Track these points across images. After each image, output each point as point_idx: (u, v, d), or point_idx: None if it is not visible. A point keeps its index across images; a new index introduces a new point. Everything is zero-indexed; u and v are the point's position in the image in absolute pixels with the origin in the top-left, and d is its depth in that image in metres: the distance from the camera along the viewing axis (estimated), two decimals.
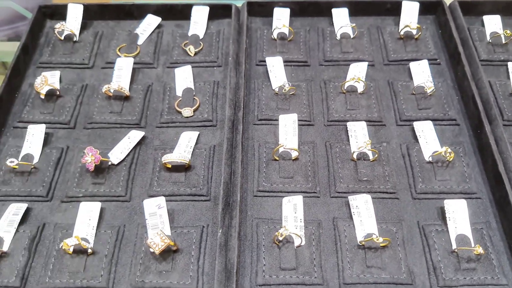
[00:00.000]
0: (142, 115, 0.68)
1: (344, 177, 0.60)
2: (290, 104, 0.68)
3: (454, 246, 0.54)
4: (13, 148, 0.64)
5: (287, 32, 0.77)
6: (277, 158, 0.62)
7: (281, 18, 0.78)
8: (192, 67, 0.73)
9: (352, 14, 0.79)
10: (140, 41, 0.77)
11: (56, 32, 0.76)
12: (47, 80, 0.68)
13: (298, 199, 0.57)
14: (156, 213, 0.56)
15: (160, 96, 0.70)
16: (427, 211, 0.58)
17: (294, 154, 0.62)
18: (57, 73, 0.72)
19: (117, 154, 0.62)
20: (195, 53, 0.75)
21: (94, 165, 0.59)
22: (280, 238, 0.53)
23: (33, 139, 0.64)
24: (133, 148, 0.64)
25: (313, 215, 0.58)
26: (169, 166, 0.61)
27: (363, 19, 0.80)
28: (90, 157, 0.59)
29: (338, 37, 0.77)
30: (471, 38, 0.75)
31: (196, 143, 0.64)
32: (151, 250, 0.53)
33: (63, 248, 0.53)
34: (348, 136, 0.64)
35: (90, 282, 0.52)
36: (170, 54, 0.76)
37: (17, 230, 0.56)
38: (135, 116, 0.67)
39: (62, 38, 0.77)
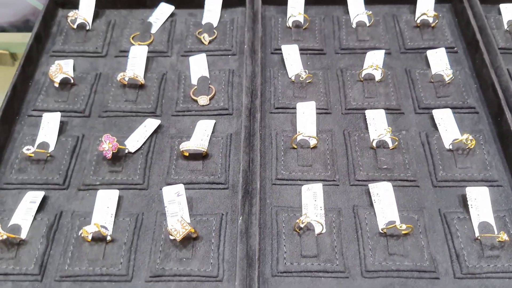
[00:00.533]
0: (157, 104, 0.67)
1: (363, 165, 0.60)
2: (307, 92, 0.68)
3: (477, 234, 0.53)
4: (28, 137, 0.63)
5: (302, 20, 0.76)
6: (295, 146, 0.61)
7: (296, 6, 0.78)
8: (207, 55, 0.72)
9: (367, 2, 0.78)
10: (153, 30, 0.76)
11: (69, 20, 0.76)
12: (62, 68, 0.67)
13: (318, 187, 0.57)
14: (175, 201, 0.55)
15: (175, 84, 0.70)
16: (449, 199, 0.57)
17: (313, 142, 0.61)
18: (70, 62, 0.71)
19: (133, 142, 0.62)
20: (209, 42, 0.74)
21: (111, 152, 0.58)
22: (302, 226, 0.53)
23: (48, 127, 0.63)
24: (149, 136, 0.63)
25: (333, 203, 0.57)
26: (187, 154, 0.61)
27: (378, 8, 0.79)
28: (108, 145, 0.58)
29: (354, 25, 0.76)
30: (488, 26, 0.74)
31: (213, 132, 0.64)
32: (171, 237, 0.53)
33: (82, 235, 0.53)
34: (366, 124, 0.64)
35: (109, 269, 0.52)
36: (184, 42, 0.75)
37: (34, 218, 0.55)
38: (150, 105, 0.67)
39: (75, 26, 0.76)
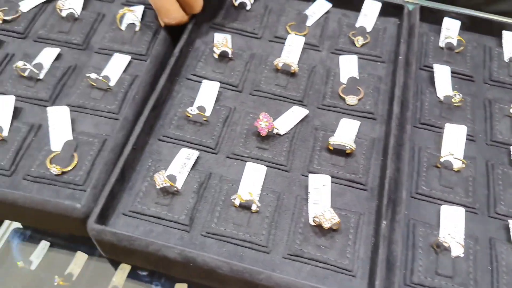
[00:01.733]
0: (305, 94, 0.70)
1: (505, 201, 0.60)
2: (454, 115, 0.68)
3: None
4: (186, 98, 0.68)
5: (454, 43, 0.76)
6: (439, 166, 0.62)
7: (450, 28, 0.78)
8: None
9: None
10: (308, 23, 0.79)
11: None
12: (227, 42, 0.71)
13: (460, 211, 0.57)
14: (320, 190, 0.58)
15: (323, 79, 0.72)
16: None
17: (457, 165, 0.62)
18: (229, 37, 0.75)
19: (282, 126, 0.65)
20: (362, 45, 0.76)
21: (267, 130, 0.62)
22: (446, 245, 0.54)
23: (207, 93, 0.67)
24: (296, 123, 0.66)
25: (470, 230, 0.58)
26: (331, 148, 0.63)
27: None
28: (265, 123, 0.62)
29: (507, 60, 0.75)
30: None
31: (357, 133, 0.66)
32: (314, 223, 0.55)
33: (234, 200, 0.56)
34: (510, 160, 0.63)
35: (252, 237, 0.55)
36: (335, 40, 0.77)
37: (188, 174, 0.60)
38: (299, 93, 0.70)
39: (236, 4, 0.80)
